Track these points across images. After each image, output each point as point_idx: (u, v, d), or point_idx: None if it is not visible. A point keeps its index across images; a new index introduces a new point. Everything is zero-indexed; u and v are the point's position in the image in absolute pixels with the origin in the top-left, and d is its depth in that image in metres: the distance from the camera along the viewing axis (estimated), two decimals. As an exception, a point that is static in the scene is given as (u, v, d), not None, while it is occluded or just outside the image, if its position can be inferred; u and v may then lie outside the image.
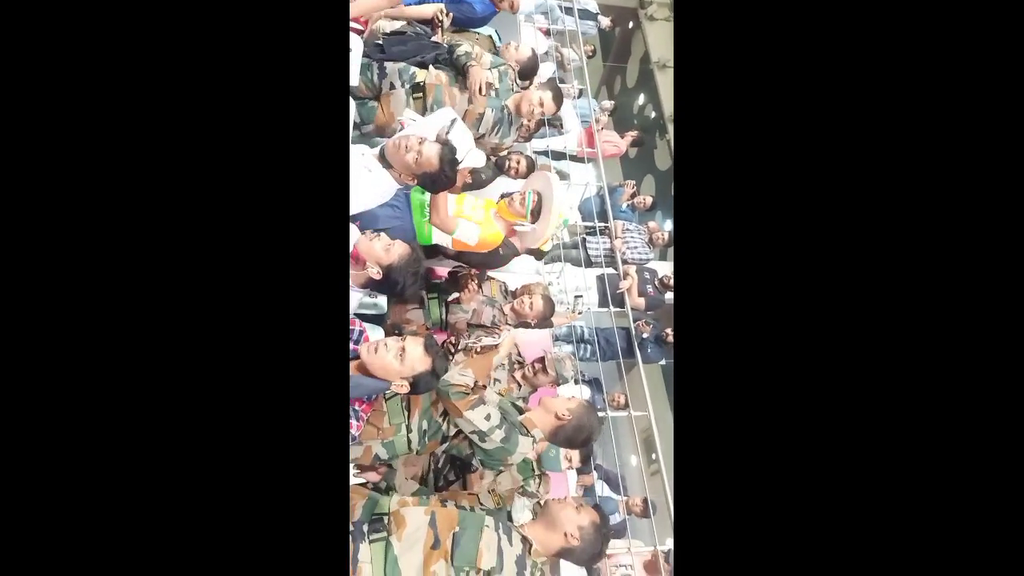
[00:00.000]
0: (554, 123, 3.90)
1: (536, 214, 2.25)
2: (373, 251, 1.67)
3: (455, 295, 2.53)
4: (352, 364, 1.61)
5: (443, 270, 2.67)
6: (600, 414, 3.44)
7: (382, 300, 2.26)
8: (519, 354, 2.47)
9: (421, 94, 2.26)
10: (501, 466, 1.82)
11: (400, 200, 2.06)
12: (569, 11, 4.89)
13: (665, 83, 6.86)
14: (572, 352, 3.68)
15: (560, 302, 3.39)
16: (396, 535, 1.41)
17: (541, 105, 2.33)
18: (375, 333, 1.83)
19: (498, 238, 2.25)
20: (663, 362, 4.09)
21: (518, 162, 3.20)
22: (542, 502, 1.69)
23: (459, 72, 2.30)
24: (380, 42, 2.35)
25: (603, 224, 4.09)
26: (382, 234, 1.72)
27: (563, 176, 4.05)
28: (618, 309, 3.83)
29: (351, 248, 1.69)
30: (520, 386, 2.33)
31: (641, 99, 7.94)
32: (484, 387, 1.80)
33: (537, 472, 1.90)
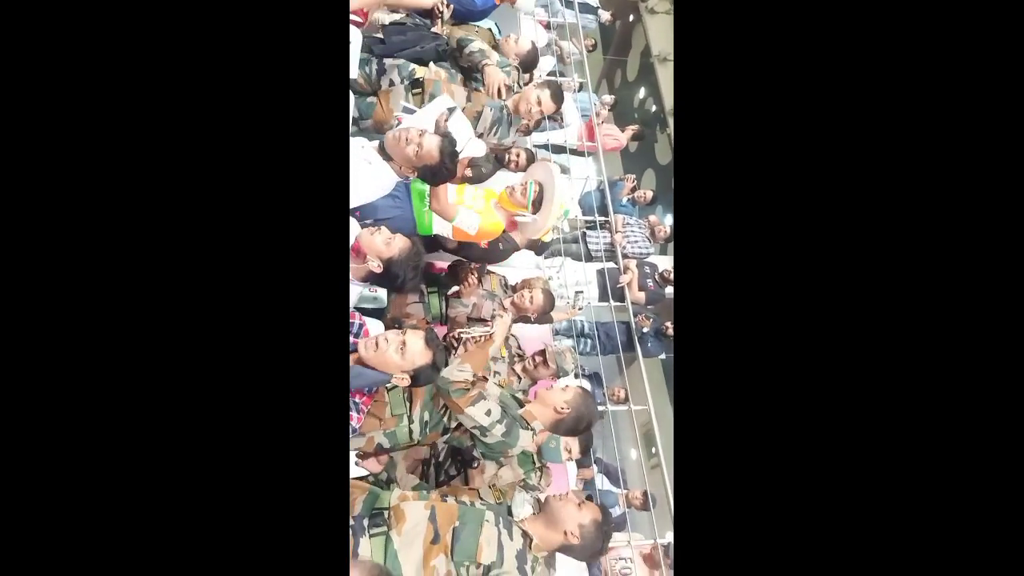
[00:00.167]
0: (554, 117, 3.89)
1: (537, 205, 2.24)
2: (374, 245, 1.67)
3: (455, 288, 2.53)
4: (352, 357, 1.61)
5: (443, 264, 2.67)
6: (600, 408, 3.46)
7: (382, 294, 2.26)
8: (519, 347, 2.46)
9: (420, 90, 2.25)
10: (502, 458, 1.83)
11: (400, 190, 2.05)
12: (569, 4, 4.87)
13: (666, 77, 6.83)
14: (572, 346, 3.69)
15: (560, 296, 3.39)
16: (396, 530, 1.42)
17: (539, 104, 2.31)
18: (375, 327, 1.83)
19: (498, 228, 2.24)
20: (663, 356, 4.09)
21: (518, 155, 3.19)
22: (543, 497, 1.69)
23: (472, 69, 2.28)
24: (380, 35, 2.33)
25: (603, 218, 4.08)
26: (383, 228, 1.72)
27: (563, 170, 4.03)
28: (618, 303, 3.83)
29: (353, 242, 1.69)
30: (520, 379, 2.33)
31: (642, 93, 7.90)
32: (485, 379, 1.80)
33: (538, 465, 1.90)
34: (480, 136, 2.34)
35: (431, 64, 2.29)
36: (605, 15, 5.36)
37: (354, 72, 2.15)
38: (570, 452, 1.91)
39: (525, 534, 1.50)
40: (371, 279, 1.72)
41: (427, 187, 2.09)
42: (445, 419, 1.76)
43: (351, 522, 1.41)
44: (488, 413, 1.67)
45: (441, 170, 1.88)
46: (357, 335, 1.70)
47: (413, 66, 2.26)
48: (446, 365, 1.68)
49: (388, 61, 2.26)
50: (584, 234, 4.08)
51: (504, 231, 2.34)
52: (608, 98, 5.28)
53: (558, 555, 1.57)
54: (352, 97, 2.14)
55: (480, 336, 1.89)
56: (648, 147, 6.89)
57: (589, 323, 3.89)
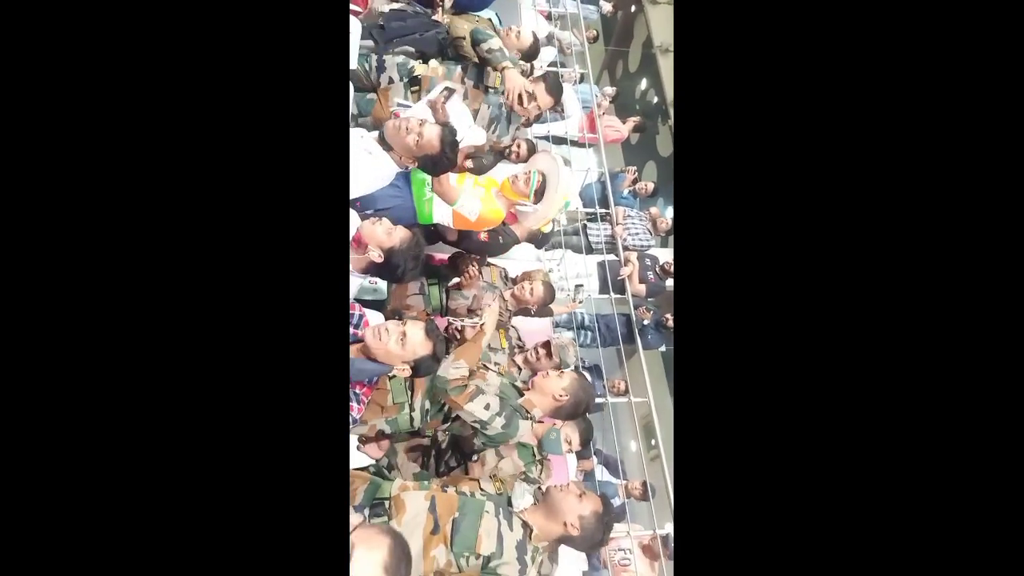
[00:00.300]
0: (555, 108, 3.87)
1: (539, 195, 2.22)
2: (375, 235, 1.68)
3: (455, 280, 2.52)
4: (353, 348, 1.61)
5: (443, 256, 2.66)
6: (600, 400, 3.46)
7: (382, 285, 2.25)
8: (519, 339, 2.46)
9: (417, 88, 2.23)
10: (502, 448, 1.84)
11: (400, 179, 2.04)
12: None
13: (667, 68, 6.80)
14: (573, 339, 3.69)
15: (560, 288, 3.38)
16: (396, 520, 1.42)
17: (536, 100, 2.29)
18: (375, 318, 1.83)
19: (499, 215, 2.22)
20: (663, 348, 4.09)
21: (519, 146, 3.17)
22: (543, 488, 1.69)
23: (487, 65, 2.25)
24: (381, 22, 2.32)
25: (604, 210, 4.07)
26: (384, 219, 1.73)
27: (565, 162, 4.02)
28: (619, 296, 3.83)
29: (354, 233, 1.68)
30: (520, 370, 2.32)
31: (643, 84, 7.87)
32: (485, 367, 1.81)
33: (538, 458, 1.91)
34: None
35: (431, 62, 2.28)
36: (607, 5, 5.33)
37: (354, 62, 2.13)
38: (570, 444, 1.91)
39: (525, 525, 1.51)
40: (371, 269, 1.71)
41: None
42: (446, 408, 1.78)
43: (352, 512, 1.41)
44: (487, 407, 1.69)
45: (442, 160, 1.87)
46: (357, 326, 1.70)
47: (413, 63, 2.24)
48: (447, 355, 1.68)
49: (388, 58, 2.24)
50: (585, 226, 4.07)
51: (504, 223, 2.32)
52: (609, 89, 5.26)
53: (561, 547, 1.57)
54: (352, 93, 2.13)
55: (471, 326, 1.88)
56: (649, 139, 6.86)
57: (589, 315, 3.89)
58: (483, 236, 2.35)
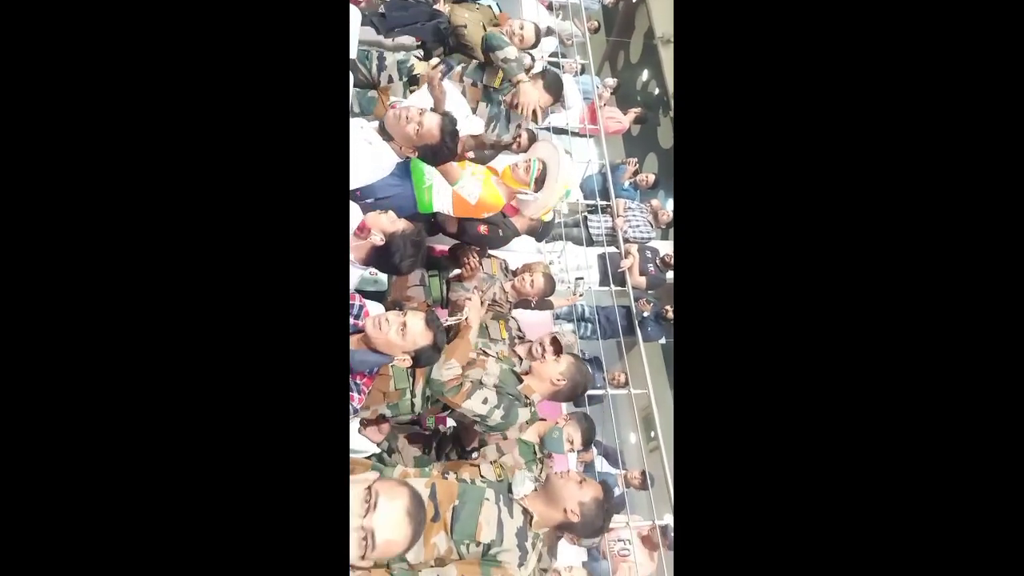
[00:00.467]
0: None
1: (540, 183, 2.22)
2: (380, 222, 1.70)
3: (456, 272, 2.52)
4: (353, 338, 1.61)
5: (443, 247, 2.66)
6: (599, 392, 3.47)
7: (383, 277, 2.25)
8: (519, 329, 2.46)
9: (415, 87, 2.23)
10: (503, 444, 1.86)
11: (399, 168, 2.03)
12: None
13: (669, 59, 6.76)
14: (573, 330, 3.69)
15: (561, 280, 3.38)
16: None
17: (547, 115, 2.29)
18: (375, 310, 1.83)
19: (499, 201, 2.21)
20: (663, 340, 4.10)
21: (519, 136, 3.16)
22: (545, 475, 1.71)
23: (500, 73, 2.25)
24: (382, 10, 2.31)
25: (605, 202, 4.06)
26: (390, 212, 1.75)
27: (565, 152, 4.00)
28: (619, 288, 3.83)
29: (360, 222, 1.69)
30: (521, 360, 2.32)
31: (645, 75, 7.82)
32: (485, 353, 1.81)
33: (539, 456, 1.91)
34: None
35: (431, 61, 2.28)
36: (608, -3, 5.29)
37: (354, 51, 2.13)
38: (572, 443, 1.92)
39: (525, 512, 1.52)
40: (371, 257, 1.72)
41: None
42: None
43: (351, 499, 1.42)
44: (485, 401, 1.71)
45: (442, 149, 1.87)
46: (357, 317, 1.71)
47: (412, 62, 2.24)
48: (447, 344, 1.70)
49: (388, 56, 2.24)
50: (585, 218, 4.06)
51: (504, 215, 2.32)
52: (611, 80, 5.23)
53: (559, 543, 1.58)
54: (353, 90, 2.12)
55: (455, 322, 1.89)
56: (650, 130, 6.82)
57: (589, 307, 3.89)
58: (483, 228, 2.34)
